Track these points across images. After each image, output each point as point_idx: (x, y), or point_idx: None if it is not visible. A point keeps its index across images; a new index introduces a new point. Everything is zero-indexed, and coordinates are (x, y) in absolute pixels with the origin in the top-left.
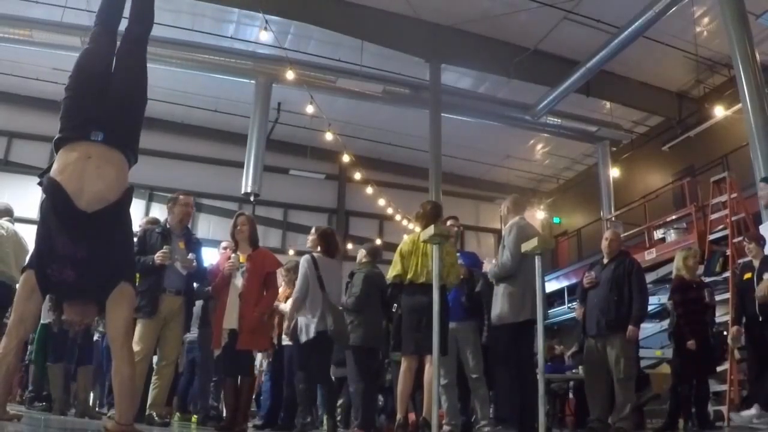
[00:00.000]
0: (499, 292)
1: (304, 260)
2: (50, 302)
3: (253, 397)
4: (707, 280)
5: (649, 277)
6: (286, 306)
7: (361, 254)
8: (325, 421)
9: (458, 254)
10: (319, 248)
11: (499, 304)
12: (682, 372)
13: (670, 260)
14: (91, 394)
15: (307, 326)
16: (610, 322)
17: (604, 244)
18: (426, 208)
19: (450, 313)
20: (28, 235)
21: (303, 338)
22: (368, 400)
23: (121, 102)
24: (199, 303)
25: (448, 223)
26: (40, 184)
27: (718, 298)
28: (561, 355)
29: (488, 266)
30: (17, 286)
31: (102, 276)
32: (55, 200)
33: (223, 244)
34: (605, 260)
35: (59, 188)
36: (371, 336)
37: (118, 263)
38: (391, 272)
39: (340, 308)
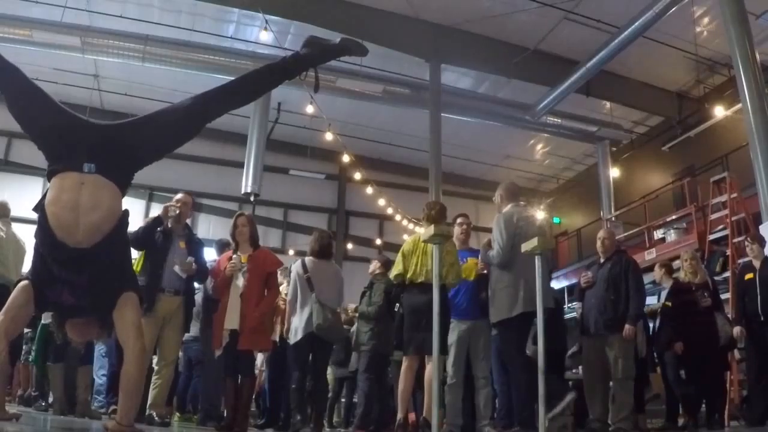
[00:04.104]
0: (491, 287)
1: (294, 264)
2: (53, 320)
3: (254, 397)
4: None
5: (649, 278)
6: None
7: (375, 265)
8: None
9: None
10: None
11: (493, 301)
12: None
13: (670, 260)
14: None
15: (296, 327)
16: (608, 321)
17: (598, 243)
18: (435, 208)
19: (464, 311)
20: (28, 235)
21: (292, 339)
22: (372, 401)
23: (124, 151)
24: (199, 303)
25: (458, 221)
26: (35, 210)
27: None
28: None
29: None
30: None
31: (102, 298)
32: (50, 244)
33: None
34: (601, 260)
35: (51, 233)
36: (389, 344)
37: (119, 283)
38: (393, 271)
39: (338, 310)
